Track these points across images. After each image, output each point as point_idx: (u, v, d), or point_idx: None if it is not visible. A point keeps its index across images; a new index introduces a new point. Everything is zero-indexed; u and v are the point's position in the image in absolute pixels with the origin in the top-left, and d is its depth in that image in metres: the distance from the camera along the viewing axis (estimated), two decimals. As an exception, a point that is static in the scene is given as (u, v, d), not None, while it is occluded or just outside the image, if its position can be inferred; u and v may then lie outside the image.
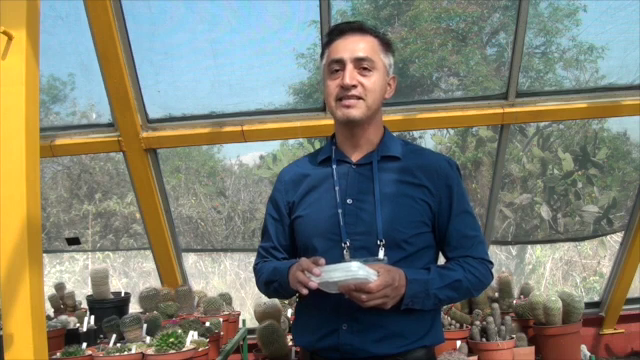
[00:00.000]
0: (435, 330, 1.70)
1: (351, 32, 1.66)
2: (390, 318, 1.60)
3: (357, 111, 1.64)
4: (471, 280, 1.64)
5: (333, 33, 1.70)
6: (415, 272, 1.59)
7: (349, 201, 1.66)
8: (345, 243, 1.62)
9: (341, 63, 1.64)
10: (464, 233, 1.68)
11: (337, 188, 1.67)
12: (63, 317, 2.98)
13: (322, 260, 1.53)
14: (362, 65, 1.63)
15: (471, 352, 2.88)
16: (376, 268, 1.51)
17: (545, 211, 4.80)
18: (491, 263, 1.71)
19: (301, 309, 1.79)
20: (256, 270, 1.83)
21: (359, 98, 1.63)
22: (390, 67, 1.72)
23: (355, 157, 1.71)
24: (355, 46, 1.64)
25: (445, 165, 1.71)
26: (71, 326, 2.91)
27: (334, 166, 1.71)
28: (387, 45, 1.70)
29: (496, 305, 3.03)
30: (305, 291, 1.53)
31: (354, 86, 1.62)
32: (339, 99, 1.65)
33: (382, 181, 1.66)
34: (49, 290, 3.29)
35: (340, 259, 1.59)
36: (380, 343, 1.60)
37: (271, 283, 1.74)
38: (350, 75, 1.62)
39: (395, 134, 1.82)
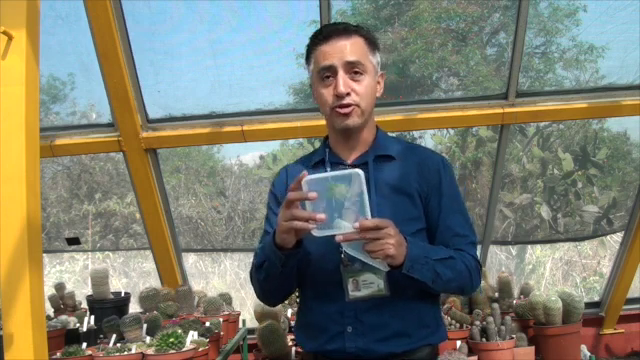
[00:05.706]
0: (439, 328, 1.70)
1: (336, 35, 1.64)
2: (394, 318, 1.60)
3: (354, 119, 1.63)
4: (462, 268, 1.61)
5: (318, 37, 1.67)
6: (411, 239, 1.55)
7: None
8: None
9: (332, 69, 1.63)
10: (455, 231, 1.67)
11: None
12: (63, 317, 2.98)
13: (304, 172, 1.44)
14: (353, 69, 1.62)
15: (471, 352, 2.88)
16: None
17: (545, 211, 4.80)
18: (481, 266, 1.69)
19: (304, 312, 1.75)
20: (250, 274, 1.72)
21: (354, 105, 1.63)
22: (378, 65, 1.71)
23: (350, 158, 1.70)
24: (343, 50, 1.62)
25: (438, 162, 1.71)
26: (71, 326, 2.91)
27: (328, 169, 1.69)
28: (373, 43, 1.69)
29: (496, 305, 3.03)
30: (311, 226, 1.41)
31: (348, 94, 1.61)
32: (334, 107, 1.64)
33: (378, 181, 1.65)
34: (49, 290, 3.29)
35: (337, 263, 1.57)
36: (385, 343, 1.60)
37: (261, 266, 1.60)
38: (343, 82, 1.61)
39: (395, 134, 1.82)
